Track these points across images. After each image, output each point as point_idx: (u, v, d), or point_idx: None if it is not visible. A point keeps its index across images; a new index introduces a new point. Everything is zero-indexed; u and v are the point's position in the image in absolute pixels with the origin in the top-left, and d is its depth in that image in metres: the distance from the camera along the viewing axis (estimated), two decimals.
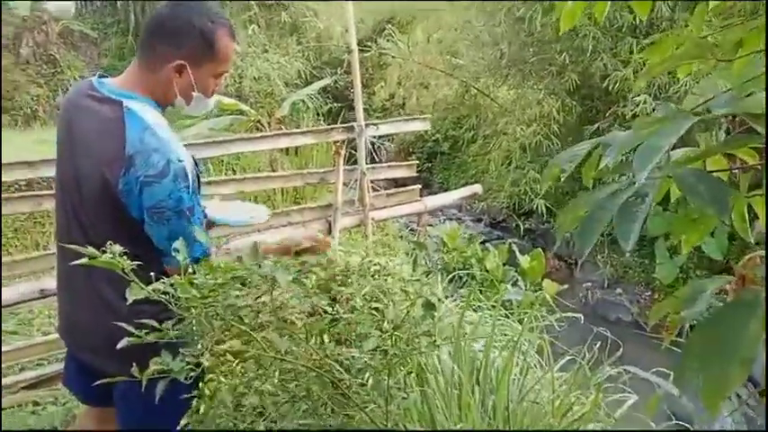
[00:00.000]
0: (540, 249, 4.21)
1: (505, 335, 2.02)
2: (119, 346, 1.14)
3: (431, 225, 4.01)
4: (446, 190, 11.97)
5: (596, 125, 6.45)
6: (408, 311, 1.28)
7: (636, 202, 0.82)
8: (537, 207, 7.01)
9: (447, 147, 11.55)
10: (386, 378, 1.29)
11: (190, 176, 1.44)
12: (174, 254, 1.25)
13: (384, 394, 1.30)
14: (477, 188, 3.35)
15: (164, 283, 1.14)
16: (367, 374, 1.49)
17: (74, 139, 1.50)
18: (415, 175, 3.25)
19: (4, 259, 3.57)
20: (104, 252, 1.16)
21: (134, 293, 1.11)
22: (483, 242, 8.22)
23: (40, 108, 10.96)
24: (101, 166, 1.41)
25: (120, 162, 1.37)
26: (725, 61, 1.02)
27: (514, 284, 4.06)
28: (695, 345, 0.88)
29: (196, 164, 1.51)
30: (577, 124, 6.96)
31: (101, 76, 1.55)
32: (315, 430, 1.25)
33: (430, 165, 11.32)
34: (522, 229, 9.10)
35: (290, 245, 1.74)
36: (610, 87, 6.24)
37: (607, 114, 6.31)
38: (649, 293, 7.68)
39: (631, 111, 5.98)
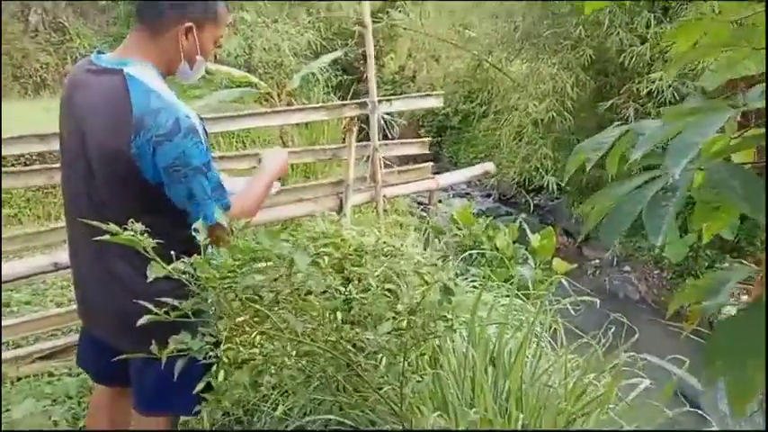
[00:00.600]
0: (550, 228, 4.19)
1: (518, 316, 2.02)
2: (138, 323, 1.14)
3: (440, 201, 3.99)
4: (455, 164, 11.94)
5: (610, 102, 6.36)
6: (425, 295, 1.27)
7: (666, 196, 0.80)
8: (547, 184, 6.95)
9: (457, 121, 11.45)
10: (401, 361, 1.29)
11: (200, 132, 1.45)
12: (195, 225, 1.26)
13: (399, 377, 1.31)
14: (490, 166, 3.32)
15: (184, 262, 1.14)
16: (381, 356, 1.49)
17: (77, 114, 1.49)
18: (427, 152, 3.22)
19: (16, 232, 3.59)
20: (125, 229, 1.16)
21: (155, 271, 1.10)
22: (493, 218, 8.24)
23: (49, 76, 10.92)
24: (109, 135, 1.41)
25: (128, 126, 1.38)
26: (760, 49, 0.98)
27: (524, 263, 4.06)
28: (720, 344, 0.87)
29: (203, 122, 1.52)
30: (591, 100, 6.86)
31: (98, 53, 1.56)
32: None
33: (439, 139, 11.24)
34: (531, 205, 9.06)
35: None
36: (625, 63, 6.13)
37: (621, 91, 6.21)
38: (658, 272, 7.66)
39: (647, 88, 5.89)
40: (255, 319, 1.26)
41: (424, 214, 3.54)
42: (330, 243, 1.83)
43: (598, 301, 1.96)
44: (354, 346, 1.50)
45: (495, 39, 8.14)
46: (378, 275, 1.68)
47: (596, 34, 6.38)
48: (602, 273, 7.90)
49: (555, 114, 6.45)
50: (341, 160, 3.22)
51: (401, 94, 11.04)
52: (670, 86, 5.74)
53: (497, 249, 3.94)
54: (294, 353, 1.26)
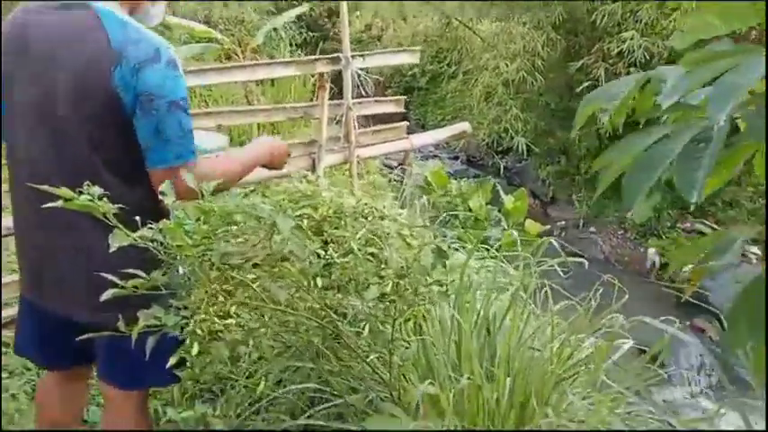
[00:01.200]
0: (523, 189, 4.16)
1: (502, 279, 1.97)
2: (103, 297, 1.03)
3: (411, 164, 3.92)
4: (423, 126, 11.81)
5: (581, 62, 6.32)
6: (416, 258, 1.19)
7: (699, 148, 0.73)
8: (517, 145, 6.92)
9: (425, 82, 11.28)
10: (388, 328, 1.21)
11: (180, 67, 1.36)
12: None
13: (387, 345, 1.23)
14: (466, 126, 3.23)
15: (152, 228, 1.03)
16: (365, 323, 1.42)
17: (40, 55, 1.34)
18: (403, 110, 3.11)
19: None
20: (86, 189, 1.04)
21: (118, 240, 0.99)
22: (459, 179, 8.20)
23: None
24: (87, 71, 1.29)
25: (108, 58, 1.28)
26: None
27: (497, 224, 4.03)
28: (745, 309, 0.82)
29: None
30: (561, 60, 6.80)
31: None
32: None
33: (407, 100, 11.08)
34: (500, 167, 9.05)
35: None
36: (596, 22, 6.07)
37: (592, 51, 6.16)
38: (621, 232, 7.81)
39: (617, 47, 5.85)
40: (231, 288, 1.16)
41: (401, 175, 3.44)
42: (308, 205, 1.73)
43: (586, 263, 1.91)
44: (337, 312, 1.42)
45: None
46: (359, 238, 1.59)
47: None
48: (568, 233, 8.01)
49: (525, 74, 6.38)
50: (312, 119, 3.08)
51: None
52: (641, 47, 5.71)
53: (471, 211, 3.89)
54: (275, 322, 1.16)
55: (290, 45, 8.51)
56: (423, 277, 1.19)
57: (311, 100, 6.06)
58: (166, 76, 1.31)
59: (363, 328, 1.43)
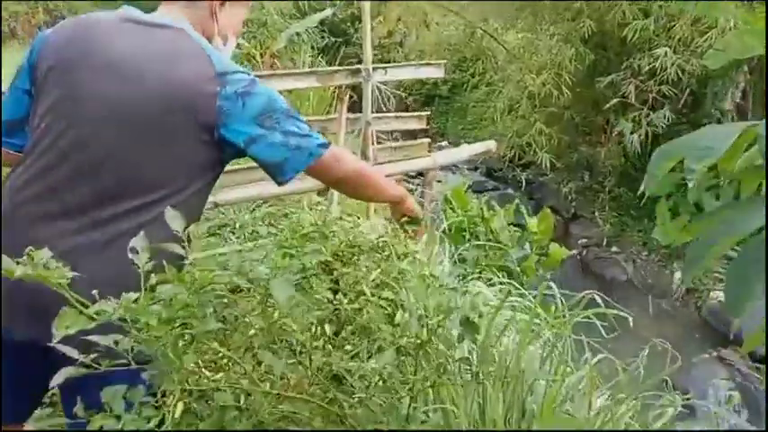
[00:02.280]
0: (548, 211, 3.97)
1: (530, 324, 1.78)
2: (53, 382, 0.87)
3: (439, 181, 3.72)
4: (443, 135, 11.64)
5: (610, 77, 6.10)
6: (440, 325, 1.02)
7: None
8: (541, 161, 6.71)
9: (446, 90, 11.12)
10: (404, 401, 1.04)
11: None
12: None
13: (402, 421, 1.06)
14: (492, 145, 3.06)
15: (112, 303, 0.85)
16: (374, 390, 1.24)
17: (121, 66, 1.28)
18: (425, 127, 2.95)
19: None
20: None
21: (62, 325, 0.81)
22: (478, 192, 8.00)
23: (19, 26, 10.31)
24: (187, 88, 1.27)
25: (213, 80, 1.27)
26: None
27: (520, 248, 3.83)
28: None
29: None
30: (589, 75, 6.59)
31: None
32: None
33: (427, 108, 10.91)
34: (523, 182, 8.83)
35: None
36: (627, 37, 5.85)
37: (623, 67, 5.94)
38: (646, 254, 7.54)
39: (649, 64, 5.63)
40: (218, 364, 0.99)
41: (421, 185, 3.23)
42: (317, 237, 1.55)
43: (631, 320, 1.71)
44: (343, 382, 1.24)
45: (491, 6, 7.78)
46: (373, 280, 1.42)
47: (598, 6, 6.08)
48: (590, 252, 7.77)
49: (551, 88, 6.18)
50: (329, 134, 2.93)
51: (389, 60, 10.64)
52: (673, 64, 5.49)
53: (492, 232, 3.71)
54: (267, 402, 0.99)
55: (312, 49, 8.40)
56: (447, 351, 1.02)
57: (330, 105, 5.94)
58: (270, 93, 1.34)
59: (373, 394, 1.26)
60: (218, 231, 3.83)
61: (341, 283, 1.45)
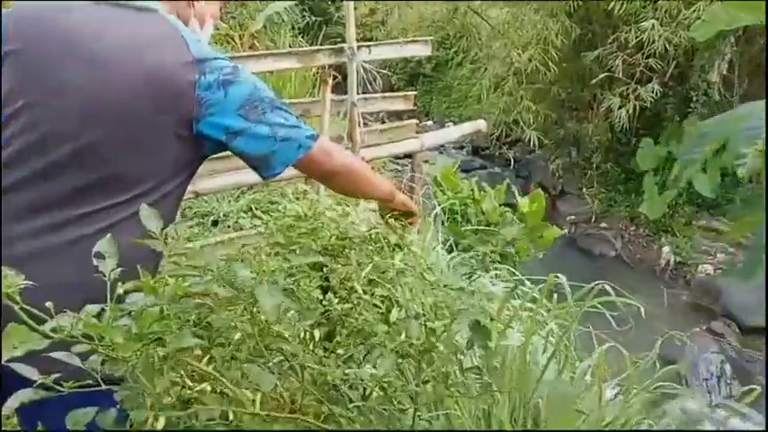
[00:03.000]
0: (539, 191, 3.88)
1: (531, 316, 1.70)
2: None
3: (426, 161, 3.62)
4: (427, 115, 11.50)
5: (596, 52, 6.00)
6: (446, 330, 0.92)
7: None
8: (528, 138, 6.63)
9: (430, 68, 10.97)
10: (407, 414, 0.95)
11: None
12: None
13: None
14: (482, 124, 2.95)
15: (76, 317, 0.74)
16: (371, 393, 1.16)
17: (90, 50, 1.14)
18: (412, 107, 2.83)
19: None
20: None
21: (9, 343, 0.70)
22: (465, 171, 7.90)
23: None
24: (161, 76, 1.14)
25: (191, 67, 1.14)
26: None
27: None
28: None
29: None
30: (575, 50, 6.48)
31: None
32: None
33: (411, 88, 10.76)
34: (512, 160, 8.75)
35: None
36: (614, 10, 5.74)
37: (610, 41, 5.84)
38: (634, 228, 7.53)
39: (636, 37, 5.53)
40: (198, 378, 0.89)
41: (408, 165, 3.11)
42: (305, 233, 1.45)
43: (643, 310, 1.63)
44: (339, 390, 1.15)
45: None
46: (364, 276, 1.33)
47: None
48: (578, 229, 7.74)
49: (538, 64, 6.07)
50: (313, 116, 2.81)
51: (371, 39, 10.43)
52: (661, 37, 5.40)
53: (483, 213, 3.62)
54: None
55: (292, 29, 8.18)
56: (454, 357, 0.93)
57: (313, 88, 5.79)
58: (254, 81, 1.22)
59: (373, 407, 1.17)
60: (201, 221, 3.71)
61: (331, 280, 1.35)
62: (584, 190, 8.05)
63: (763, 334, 5.68)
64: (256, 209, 3.50)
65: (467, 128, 2.95)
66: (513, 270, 2.82)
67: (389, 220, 1.40)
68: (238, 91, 1.17)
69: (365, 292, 1.30)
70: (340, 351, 1.19)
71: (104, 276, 0.74)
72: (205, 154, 1.24)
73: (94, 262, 0.85)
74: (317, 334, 1.16)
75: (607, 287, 1.39)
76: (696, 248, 6.79)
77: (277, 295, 0.75)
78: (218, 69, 1.16)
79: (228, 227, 3.63)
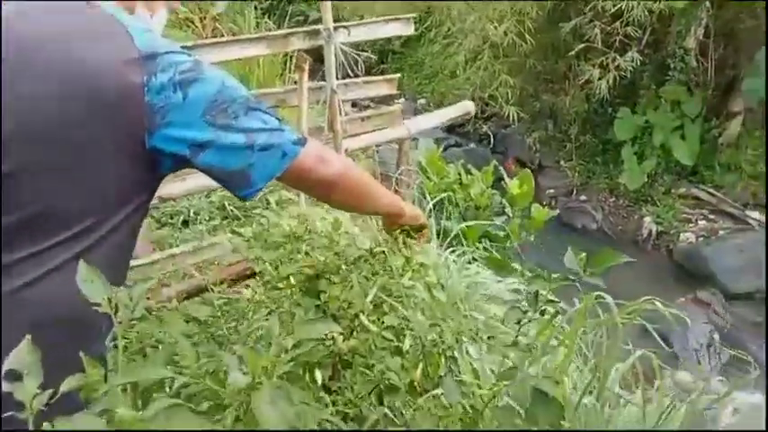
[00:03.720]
0: (528, 171, 3.73)
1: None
2: None
3: (415, 143, 3.41)
4: (398, 92, 11.24)
5: (573, 22, 5.83)
6: (494, 397, 0.74)
7: None
8: (505, 113, 6.47)
9: (399, 45, 10.69)
10: None
11: None
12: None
13: None
14: (470, 106, 2.77)
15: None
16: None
17: (10, 50, 0.88)
18: (395, 91, 2.63)
19: None
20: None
21: None
22: (444, 149, 7.72)
23: None
24: (97, 79, 0.89)
25: (137, 65, 0.90)
26: None
27: (501, 213, 3.61)
28: None
29: None
30: (549, 21, 6.30)
31: None
32: None
33: (382, 65, 10.49)
34: (490, 136, 8.60)
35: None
36: None
37: (587, 10, 5.67)
38: (613, 200, 7.48)
39: (614, 5, 5.37)
40: None
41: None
42: (298, 253, 1.28)
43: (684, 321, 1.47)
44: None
45: None
46: (371, 301, 1.15)
47: None
48: (558, 202, 7.65)
49: (514, 37, 5.88)
50: (287, 107, 2.58)
51: (336, 20, 10.03)
52: (640, 4, 5.25)
53: (472, 199, 3.46)
54: None
55: (255, 9, 7.82)
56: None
57: (283, 72, 5.50)
58: (223, 77, 0.99)
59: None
60: (170, 221, 3.46)
61: (330, 305, 1.16)
62: (562, 163, 7.96)
63: (748, 300, 5.71)
64: (230, 206, 3.27)
65: (454, 111, 2.76)
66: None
67: (398, 236, 1.21)
68: (201, 91, 0.94)
69: (372, 321, 1.12)
70: (349, 395, 1.02)
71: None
72: (163, 173, 1.00)
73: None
74: (318, 377, 0.98)
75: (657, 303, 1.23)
76: (677, 217, 6.76)
77: (281, 403, 0.55)
78: (172, 66, 0.92)
79: (200, 226, 3.40)
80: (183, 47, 1.01)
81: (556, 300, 0.85)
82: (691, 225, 6.72)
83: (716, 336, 5.17)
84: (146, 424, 0.49)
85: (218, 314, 1.05)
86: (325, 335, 1.06)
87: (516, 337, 0.80)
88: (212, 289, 1.27)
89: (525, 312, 0.79)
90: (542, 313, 0.78)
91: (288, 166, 1.02)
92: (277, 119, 1.04)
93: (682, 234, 6.62)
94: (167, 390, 0.62)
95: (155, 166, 0.95)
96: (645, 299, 1.14)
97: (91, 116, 0.87)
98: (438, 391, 0.99)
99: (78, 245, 0.87)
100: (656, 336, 1.81)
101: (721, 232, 6.43)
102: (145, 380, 0.58)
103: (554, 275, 0.86)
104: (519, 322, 0.79)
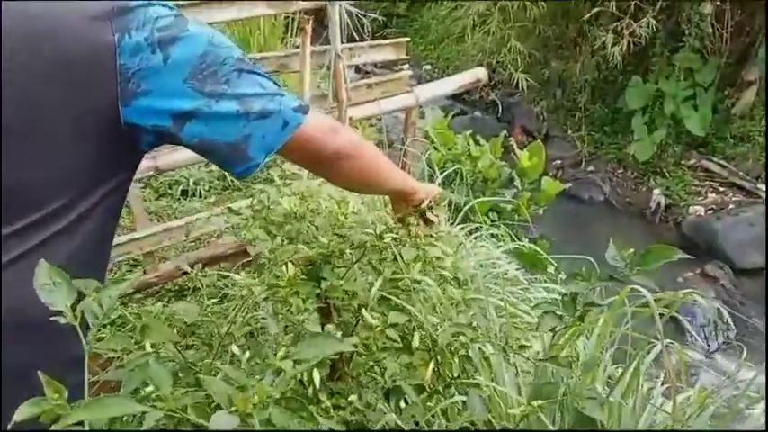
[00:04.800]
0: (539, 143, 3.59)
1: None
2: None
3: (422, 116, 3.25)
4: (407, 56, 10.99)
5: None
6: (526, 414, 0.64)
7: None
8: (514, 80, 6.29)
9: (404, 8, 10.41)
10: None
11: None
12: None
13: None
14: (481, 73, 2.61)
15: None
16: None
17: None
18: (404, 56, 2.47)
19: None
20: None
21: None
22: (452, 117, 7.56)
23: None
24: (60, 39, 0.75)
25: (105, 21, 0.75)
26: None
27: (509, 184, 3.48)
28: None
29: None
30: None
31: None
32: None
33: (386, 29, 10.21)
34: (498, 105, 8.41)
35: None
36: None
37: None
38: (621, 171, 7.33)
39: None
40: None
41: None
42: (300, 234, 1.16)
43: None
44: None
45: None
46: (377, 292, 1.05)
47: None
48: (565, 173, 7.51)
49: (525, 0, 5.65)
50: (289, 72, 2.44)
51: None
52: None
53: (479, 171, 3.33)
54: None
55: None
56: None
57: (282, 40, 5.29)
58: (210, 34, 0.84)
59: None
60: (168, 191, 3.35)
61: (330, 296, 1.06)
62: (569, 133, 7.78)
63: (756, 275, 5.61)
64: (231, 177, 3.14)
65: (466, 78, 2.61)
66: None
67: (411, 222, 1.08)
68: (185, 52, 0.80)
69: (377, 316, 1.01)
70: (352, 397, 0.91)
71: None
72: (143, 149, 0.87)
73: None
74: (316, 376, 0.87)
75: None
76: (686, 190, 6.62)
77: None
78: (150, 22, 0.78)
79: (201, 197, 3.29)
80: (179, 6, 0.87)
81: (599, 303, 0.74)
82: (700, 198, 6.59)
83: (724, 311, 5.09)
84: None
85: (208, 315, 0.94)
86: (323, 327, 0.96)
87: (551, 346, 0.69)
88: (202, 285, 1.16)
89: (561, 318, 0.68)
90: (581, 319, 0.68)
91: (290, 137, 0.89)
92: (275, 83, 0.90)
93: (691, 207, 6.49)
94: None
95: (133, 142, 0.82)
96: (685, 292, 1.04)
97: (54, 83, 0.74)
98: (456, 398, 0.88)
99: (48, 229, 0.75)
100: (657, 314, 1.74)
101: (731, 206, 6.29)
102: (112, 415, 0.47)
103: (596, 274, 0.75)
104: (554, 330, 0.68)
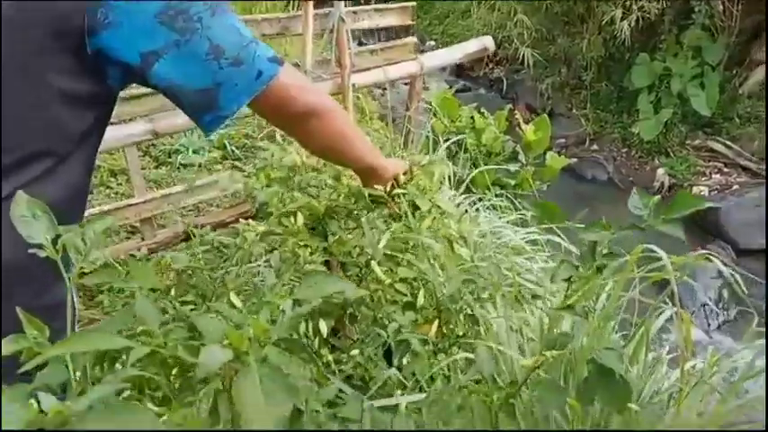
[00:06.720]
0: (545, 116, 3.52)
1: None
2: None
3: (426, 88, 3.19)
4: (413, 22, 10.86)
5: None
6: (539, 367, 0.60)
7: None
8: (519, 56, 6.19)
9: None
10: None
11: None
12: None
13: None
14: (488, 41, 2.55)
15: None
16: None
17: None
18: (410, 22, 2.41)
19: None
20: None
21: None
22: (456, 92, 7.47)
23: None
24: None
25: None
26: None
27: (514, 159, 3.43)
28: None
29: None
30: None
31: None
32: None
33: (389, 2, 10.05)
34: (503, 81, 8.31)
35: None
36: None
37: None
38: (626, 150, 7.26)
39: None
40: None
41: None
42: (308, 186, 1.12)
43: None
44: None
45: None
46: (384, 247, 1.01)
47: None
48: (569, 152, 7.44)
49: None
50: (290, 35, 2.38)
51: None
52: None
53: (483, 144, 3.27)
54: None
55: None
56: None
57: (286, 8, 5.19)
58: None
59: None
60: (167, 160, 3.30)
61: (336, 251, 1.02)
62: (574, 111, 7.70)
63: (760, 256, 5.58)
64: (231, 146, 3.10)
65: (472, 46, 2.54)
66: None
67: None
68: None
69: (384, 272, 0.98)
70: (354, 351, 0.88)
71: None
72: (112, 90, 0.81)
73: None
74: (323, 327, 0.84)
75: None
76: (691, 170, 6.56)
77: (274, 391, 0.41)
78: None
79: (200, 166, 3.24)
80: None
81: (617, 253, 0.70)
82: (704, 178, 6.54)
83: (725, 291, 5.08)
84: (74, 424, 0.35)
85: (200, 262, 0.90)
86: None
87: (566, 297, 0.66)
88: (193, 233, 1.12)
89: (577, 268, 0.65)
90: (599, 270, 0.64)
91: (264, 89, 0.84)
92: (248, 29, 0.85)
93: (695, 187, 6.44)
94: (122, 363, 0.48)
95: (99, 79, 0.77)
96: (699, 253, 1.00)
97: (14, 16, 0.69)
98: (461, 354, 0.85)
99: (27, 172, 0.72)
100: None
101: (735, 186, 6.24)
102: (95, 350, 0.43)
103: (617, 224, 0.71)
104: (570, 279, 0.65)
